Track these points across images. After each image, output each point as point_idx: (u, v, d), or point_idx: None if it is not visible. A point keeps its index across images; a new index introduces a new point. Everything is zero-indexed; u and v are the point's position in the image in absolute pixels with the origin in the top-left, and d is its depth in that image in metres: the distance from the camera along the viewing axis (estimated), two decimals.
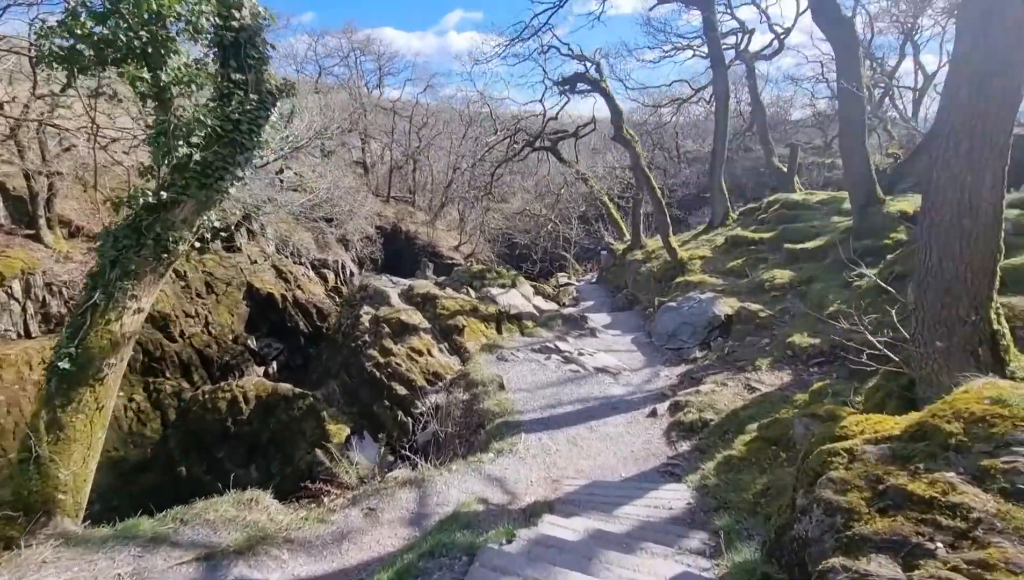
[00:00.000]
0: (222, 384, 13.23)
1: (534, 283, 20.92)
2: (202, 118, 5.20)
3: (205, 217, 5.62)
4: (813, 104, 35.64)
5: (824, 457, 2.84)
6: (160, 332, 15.95)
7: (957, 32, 4.38)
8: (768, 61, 27.23)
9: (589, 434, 7.69)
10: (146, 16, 4.79)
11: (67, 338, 4.82)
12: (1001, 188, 4.05)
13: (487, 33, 79.43)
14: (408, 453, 7.43)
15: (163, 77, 5.02)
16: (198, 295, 17.89)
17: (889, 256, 9.69)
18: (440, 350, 12.76)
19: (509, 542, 4.06)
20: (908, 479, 2.44)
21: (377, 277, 18.53)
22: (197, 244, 5.73)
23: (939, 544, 2.13)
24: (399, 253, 32.48)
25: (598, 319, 15.18)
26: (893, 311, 5.31)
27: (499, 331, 13.87)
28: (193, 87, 5.35)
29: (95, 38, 4.71)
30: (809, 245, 13.08)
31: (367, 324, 13.54)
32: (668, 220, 17.03)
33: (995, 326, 4.31)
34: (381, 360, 12.10)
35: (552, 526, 4.65)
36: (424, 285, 16.02)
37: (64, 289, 14.38)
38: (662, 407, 8.29)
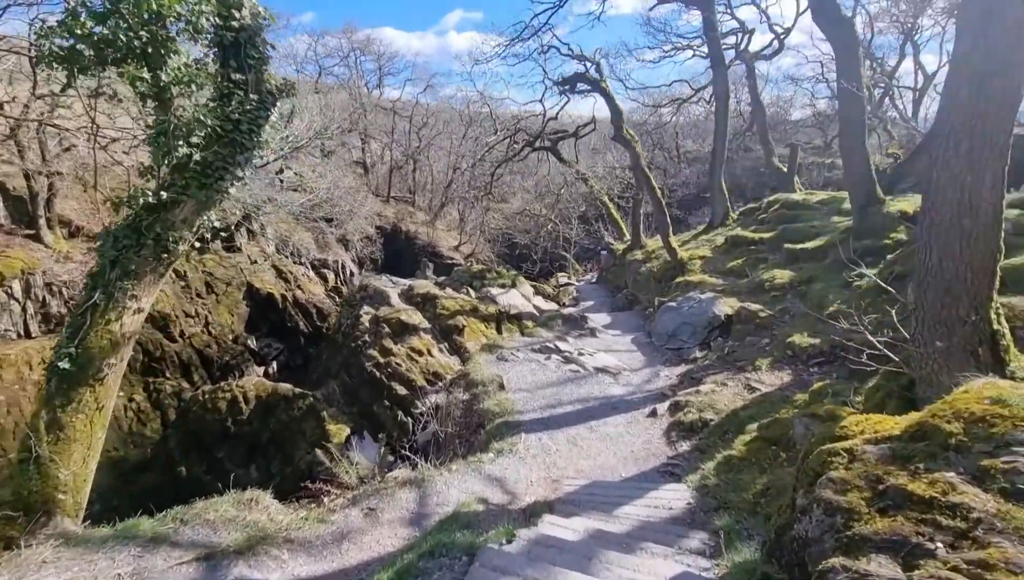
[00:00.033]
0: (222, 384, 13.23)
1: (534, 283, 20.93)
2: (202, 118, 5.20)
3: (205, 217, 5.62)
4: (813, 104, 35.68)
5: (824, 457, 2.84)
6: (160, 332, 15.95)
7: (957, 32, 4.38)
8: (768, 61, 27.26)
9: (589, 434, 7.69)
10: (146, 16, 4.78)
11: (67, 338, 4.82)
12: (1001, 188, 4.05)
13: (487, 33, 79.51)
14: (408, 453, 7.43)
15: (163, 77, 5.02)
16: (198, 295, 17.89)
17: (889, 256, 9.69)
18: (440, 350, 12.76)
19: (509, 542, 4.06)
20: (908, 479, 2.44)
21: (377, 277, 18.53)
22: (197, 244, 5.70)
23: (939, 544, 2.13)
24: (399, 253, 32.48)
25: (598, 319, 15.17)
26: (893, 311, 5.31)
27: (499, 331, 13.87)
28: (193, 87, 5.35)
29: (95, 38, 4.71)
30: (809, 245, 13.08)
31: (367, 324, 13.53)
32: (668, 220, 17.03)
33: (995, 326, 4.31)
34: (381, 360, 12.10)
35: (552, 526, 4.65)
36: (424, 285, 16.02)
37: (64, 289, 14.38)
38: (662, 407, 8.29)
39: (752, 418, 6.89)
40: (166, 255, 5.28)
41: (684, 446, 7.03)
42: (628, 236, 24.23)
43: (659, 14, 56.83)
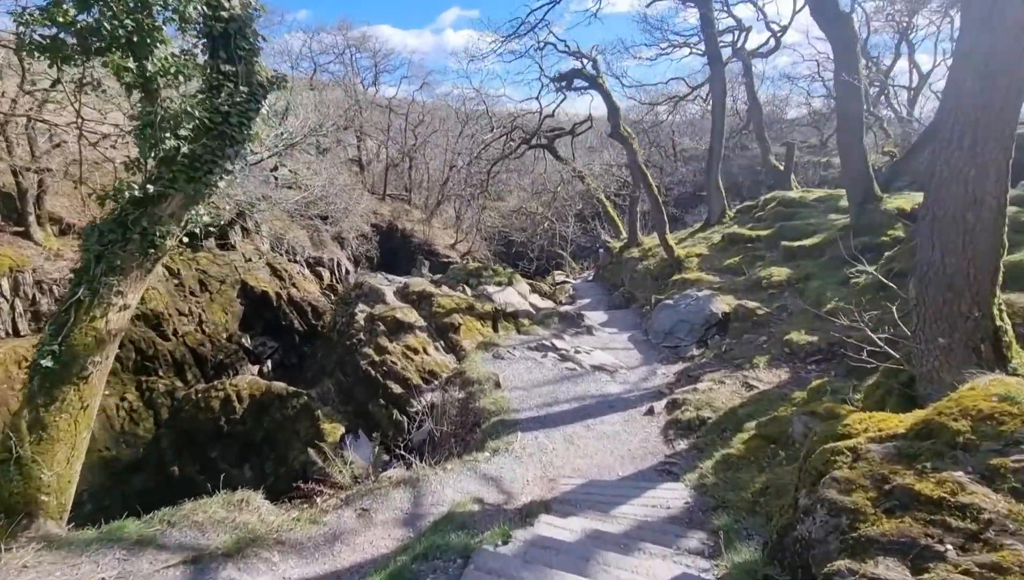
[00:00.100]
0: (216, 383, 13.08)
1: (530, 281, 20.88)
2: (190, 110, 5.06)
3: (193, 211, 5.49)
4: (809, 103, 35.78)
5: (827, 456, 2.76)
6: (153, 330, 15.79)
7: (961, 27, 4.32)
8: (764, 59, 27.25)
9: (586, 432, 7.61)
10: (131, 4, 4.65)
11: (50, 335, 4.69)
12: (1006, 182, 3.99)
13: (483, 31, 79.22)
14: (403, 452, 7.33)
15: (149, 67, 4.88)
16: (192, 293, 17.71)
17: (887, 253, 9.66)
18: (436, 348, 12.67)
19: (505, 543, 3.98)
20: (915, 479, 2.37)
21: (372, 275, 18.41)
22: (186, 239, 5.58)
23: (949, 546, 2.06)
24: (395, 251, 32.36)
25: (595, 317, 15.10)
26: (893, 308, 5.25)
27: (495, 329, 13.80)
28: (181, 78, 5.21)
29: (78, 26, 4.57)
30: (806, 242, 13.04)
31: (362, 322, 13.42)
32: (665, 218, 16.98)
33: (998, 322, 4.25)
34: (376, 358, 12.00)
35: (548, 527, 4.57)
36: (420, 283, 15.92)
37: (55, 287, 14.18)
38: (659, 405, 8.23)
39: (750, 416, 6.83)
40: (153, 250, 5.14)
41: (682, 444, 6.96)
42: (625, 234, 24.19)
43: (656, 11, 56.96)
